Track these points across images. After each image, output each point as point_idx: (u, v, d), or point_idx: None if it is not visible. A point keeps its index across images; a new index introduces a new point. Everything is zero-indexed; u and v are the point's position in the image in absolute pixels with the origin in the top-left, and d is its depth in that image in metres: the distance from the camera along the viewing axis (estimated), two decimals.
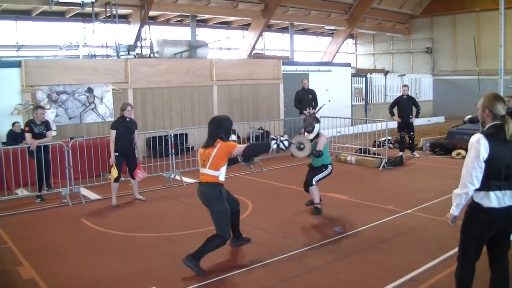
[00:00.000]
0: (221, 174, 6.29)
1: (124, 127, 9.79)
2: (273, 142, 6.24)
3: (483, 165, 4.30)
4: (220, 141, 6.20)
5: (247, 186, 10.93)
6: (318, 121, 8.85)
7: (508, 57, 21.87)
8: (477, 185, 4.35)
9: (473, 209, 4.51)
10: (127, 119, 9.89)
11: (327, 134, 15.70)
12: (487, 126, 4.52)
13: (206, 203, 6.35)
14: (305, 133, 8.69)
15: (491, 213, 4.40)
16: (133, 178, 10.10)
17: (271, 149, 6.29)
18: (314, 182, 8.72)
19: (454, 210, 4.59)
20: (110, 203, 9.86)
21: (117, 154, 9.70)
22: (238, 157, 6.79)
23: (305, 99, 15.55)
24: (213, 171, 6.21)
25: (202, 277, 5.95)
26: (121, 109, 9.98)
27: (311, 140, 8.31)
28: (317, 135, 8.69)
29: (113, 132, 9.69)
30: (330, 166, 8.82)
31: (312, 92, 15.73)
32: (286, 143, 6.28)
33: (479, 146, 4.30)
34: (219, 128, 6.26)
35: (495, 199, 4.38)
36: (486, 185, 4.36)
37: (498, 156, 4.30)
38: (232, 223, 6.64)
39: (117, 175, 9.77)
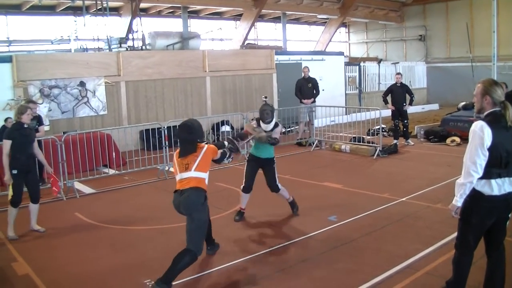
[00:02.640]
0: (207, 178, 5.82)
1: (22, 135, 7.62)
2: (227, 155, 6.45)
3: (487, 153, 4.25)
4: (201, 144, 5.84)
5: (241, 177, 10.88)
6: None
7: (501, 43, 21.95)
8: (481, 173, 4.30)
9: (474, 197, 4.45)
10: (25, 125, 7.73)
11: (321, 124, 15.83)
12: (485, 113, 4.46)
13: (186, 211, 5.64)
14: (262, 123, 7.88)
15: (493, 201, 4.39)
16: (34, 202, 7.84)
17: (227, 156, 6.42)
18: (279, 186, 8.09)
19: (458, 201, 4.50)
20: (104, 197, 9.83)
21: (15, 172, 7.48)
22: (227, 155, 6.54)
23: (305, 88, 15.55)
24: (201, 173, 5.71)
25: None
26: (20, 112, 7.67)
27: (270, 131, 7.86)
28: (275, 125, 7.97)
29: (8, 143, 7.47)
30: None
31: (313, 81, 15.73)
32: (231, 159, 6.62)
33: (482, 134, 4.25)
34: (193, 133, 5.79)
35: (496, 187, 4.36)
36: (488, 173, 4.32)
37: (500, 144, 4.27)
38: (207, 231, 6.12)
39: (11, 196, 7.58)
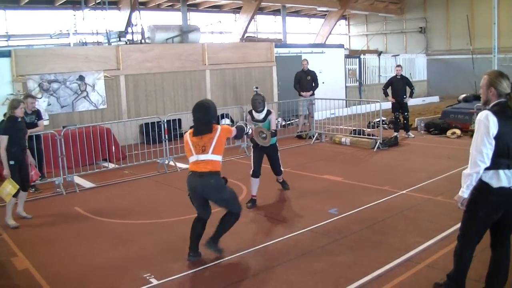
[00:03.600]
0: (221, 160, 5.97)
1: (17, 130, 7.92)
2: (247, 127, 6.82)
3: (493, 141, 4.19)
4: (217, 125, 5.95)
5: (241, 170, 10.88)
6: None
7: (502, 35, 21.84)
8: (488, 163, 4.23)
9: (481, 190, 4.38)
10: (19, 119, 8.06)
11: (321, 116, 15.79)
12: (491, 104, 4.38)
13: (214, 197, 5.98)
14: (254, 112, 8.52)
15: (500, 193, 4.32)
16: (24, 190, 8.15)
17: (246, 131, 6.72)
18: (282, 169, 8.99)
19: (464, 192, 4.41)
20: (104, 191, 9.82)
21: (12, 162, 7.78)
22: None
23: (303, 81, 15.51)
24: (217, 156, 5.86)
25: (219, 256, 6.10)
26: (13, 107, 7.91)
27: (264, 119, 8.42)
28: (267, 113, 8.49)
29: (5, 139, 7.72)
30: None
31: (312, 74, 15.67)
32: (249, 130, 6.96)
33: (488, 123, 4.18)
34: (209, 114, 5.90)
35: (505, 178, 4.30)
36: (496, 163, 4.26)
37: (507, 133, 4.21)
38: (198, 233, 6.11)
39: (17, 188, 7.79)
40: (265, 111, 8.45)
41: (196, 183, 5.90)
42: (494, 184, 4.31)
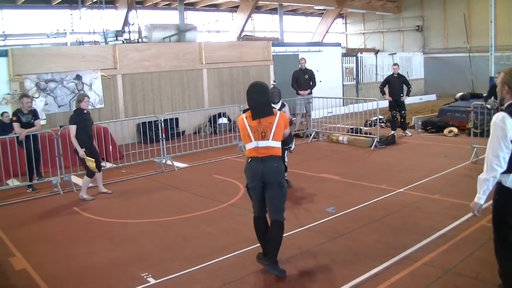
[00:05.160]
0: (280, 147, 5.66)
1: (83, 119, 9.23)
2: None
3: (510, 145, 4.02)
4: (275, 110, 5.66)
5: (238, 169, 10.84)
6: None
7: (499, 33, 21.95)
8: (505, 167, 4.05)
9: (505, 195, 4.21)
10: (85, 111, 9.36)
11: (318, 115, 15.80)
12: (506, 104, 4.20)
13: (273, 180, 5.52)
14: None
15: None
16: (99, 171, 9.60)
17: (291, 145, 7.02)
18: (286, 159, 9.10)
19: (480, 199, 4.21)
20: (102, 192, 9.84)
21: (84, 149, 9.11)
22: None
23: (301, 79, 15.50)
24: (277, 142, 5.54)
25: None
26: (78, 100, 9.36)
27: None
28: (282, 105, 9.44)
29: (73, 128, 9.09)
30: None
31: (309, 72, 15.66)
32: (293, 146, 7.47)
33: (504, 126, 4.01)
34: (267, 94, 5.61)
35: None
36: None
37: None
38: (264, 233, 5.78)
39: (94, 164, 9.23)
40: (280, 103, 9.34)
41: (258, 167, 5.54)
42: None
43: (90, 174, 9.28)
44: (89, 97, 9.91)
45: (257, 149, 5.54)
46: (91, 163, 9.10)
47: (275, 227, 5.56)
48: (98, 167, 9.40)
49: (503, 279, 4.45)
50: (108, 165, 11.91)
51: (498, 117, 4.08)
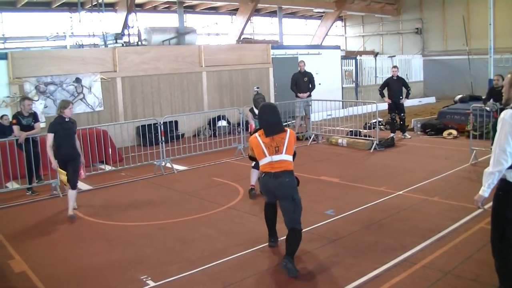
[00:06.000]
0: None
1: (64, 128, 8.37)
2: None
3: None
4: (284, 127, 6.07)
5: (238, 172, 10.89)
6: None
7: (498, 36, 21.96)
8: (510, 162, 4.16)
9: (507, 190, 4.28)
10: (66, 119, 8.45)
11: (318, 118, 15.81)
12: None
13: (286, 194, 5.86)
14: (255, 110, 8.79)
15: None
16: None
17: None
18: None
19: (485, 191, 4.33)
20: (101, 193, 9.83)
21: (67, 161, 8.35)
22: None
23: (300, 82, 15.49)
24: (289, 156, 5.93)
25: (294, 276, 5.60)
26: (62, 107, 8.44)
27: None
28: None
29: (50, 136, 8.32)
30: None
31: (309, 75, 15.63)
32: None
33: None
34: (278, 114, 6.08)
35: None
36: None
37: None
38: (272, 217, 6.45)
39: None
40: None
41: (271, 184, 5.91)
42: None
43: (73, 185, 8.37)
44: (73, 104, 8.97)
45: (271, 164, 5.87)
46: (63, 176, 8.34)
47: (294, 234, 5.79)
48: (73, 183, 8.36)
49: (498, 273, 4.51)
50: (107, 167, 11.93)
51: (507, 114, 4.19)
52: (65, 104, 8.45)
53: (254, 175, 8.78)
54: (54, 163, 8.28)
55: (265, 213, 6.44)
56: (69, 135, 8.42)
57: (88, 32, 17.96)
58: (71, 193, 8.36)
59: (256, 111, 8.61)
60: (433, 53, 28.50)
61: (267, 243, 6.52)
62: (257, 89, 9.34)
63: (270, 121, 5.98)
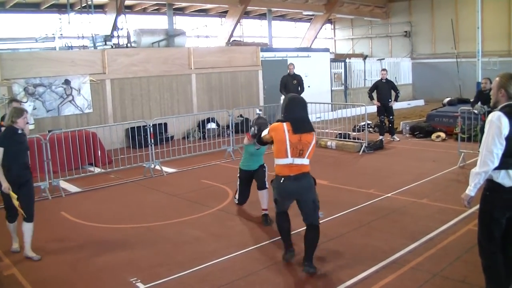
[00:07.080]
0: None
1: (16, 142, 6.52)
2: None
3: (504, 142, 4.20)
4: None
5: (227, 174, 10.89)
6: None
7: (485, 39, 22.15)
8: (497, 163, 4.23)
9: (494, 190, 4.36)
10: (19, 131, 6.62)
11: None
12: (500, 106, 4.38)
13: (307, 198, 5.65)
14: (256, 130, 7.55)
15: None
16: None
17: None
18: (266, 184, 7.66)
19: (471, 191, 4.41)
20: (90, 196, 9.80)
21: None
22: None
23: (289, 85, 15.51)
24: (309, 160, 5.64)
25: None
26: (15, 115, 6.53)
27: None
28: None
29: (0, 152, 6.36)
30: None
31: (298, 78, 15.66)
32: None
33: (499, 123, 4.20)
34: (307, 111, 5.74)
35: None
36: (505, 163, 4.26)
37: None
38: (287, 226, 6.06)
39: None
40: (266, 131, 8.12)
41: (293, 187, 5.61)
42: (507, 183, 4.30)
43: (29, 216, 6.54)
44: (28, 112, 7.05)
45: (290, 166, 5.56)
46: (14, 200, 6.33)
47: (312, 230, 5.71)
48: (29, 213, 6.52)
49: (486, 273, 4.57)
50: (97, 170, 11.88)
51: (494, 116, 4.27)
52: (18, 113, 6.56)
53: (265, 196, 7.68)
54: (5, 185, 6.28)
55: (279, 224, 6.05)
56: (23, 150, 6.65)
57: (77, 33, 17.87)
58: (27, 227, 6.53)
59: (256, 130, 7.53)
60: (421, 56, 28.68)
61: (253, 247, 6.46)
62: (259, 112, 8.93)
63: (301, 116, 5.65)
